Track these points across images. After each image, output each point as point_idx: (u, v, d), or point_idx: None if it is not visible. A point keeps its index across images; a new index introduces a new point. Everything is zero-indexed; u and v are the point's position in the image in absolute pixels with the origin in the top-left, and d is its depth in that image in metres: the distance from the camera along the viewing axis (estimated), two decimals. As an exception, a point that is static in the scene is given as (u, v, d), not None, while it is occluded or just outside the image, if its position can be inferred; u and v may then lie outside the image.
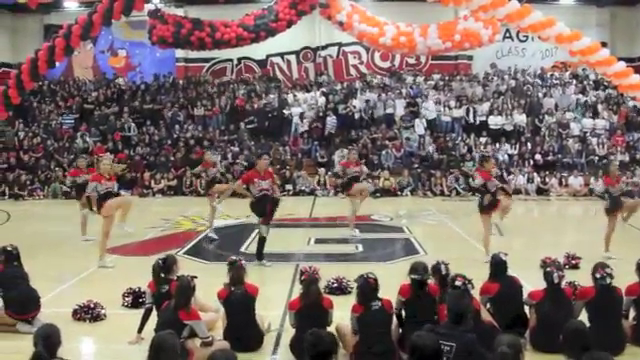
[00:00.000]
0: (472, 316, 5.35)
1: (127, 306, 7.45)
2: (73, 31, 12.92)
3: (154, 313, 6.17)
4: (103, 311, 7.05)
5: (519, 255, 9.89)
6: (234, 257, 6.52)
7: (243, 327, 5.99)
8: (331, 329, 5.81)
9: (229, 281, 6.22)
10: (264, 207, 9.88)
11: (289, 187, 20.09)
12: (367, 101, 23.44)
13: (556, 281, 6.00)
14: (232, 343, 5.67)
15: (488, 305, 6.24)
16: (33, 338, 4.30)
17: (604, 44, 14.55)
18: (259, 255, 9.97)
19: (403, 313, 5.97)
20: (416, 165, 21.17)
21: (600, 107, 23.45)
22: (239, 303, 6.07)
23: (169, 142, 22.33)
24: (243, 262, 6.39)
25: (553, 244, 11.13)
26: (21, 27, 26.20)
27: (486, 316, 5.83)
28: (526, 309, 6.34)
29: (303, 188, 20.00)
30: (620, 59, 13.00)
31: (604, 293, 5.95)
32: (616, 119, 22.96)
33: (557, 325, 4.90)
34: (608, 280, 5.97)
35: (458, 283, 5.64)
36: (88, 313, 6.96)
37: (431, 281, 6.04)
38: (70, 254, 10.83)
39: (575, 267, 9.29)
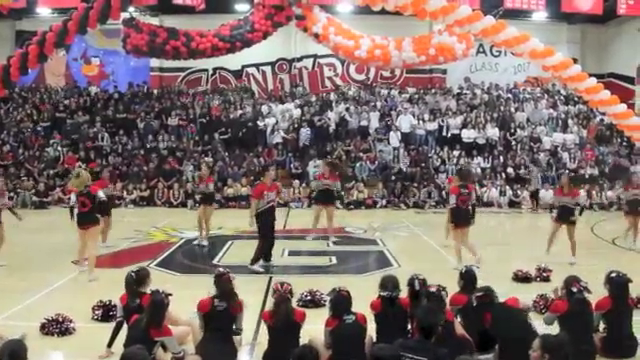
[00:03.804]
0: (445, 326, 5.36)
1: (97, 319, 7.32)
2: (47, 38, 12.72)
3: (125, 327, 6.07)
4: (72, 325, 6.90)
5: (490, 268, 10.00)
6: (221, 269, 6.29)
7: (218, 343, 5.83)
8: (304, 342, 5.80)
9: (216, 294, 6.03)
10: (270, 218, 10.44)
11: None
12: (347, 109, 23.60)
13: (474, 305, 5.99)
14: (205, 358, 5.60)
15: (458, 317, 6.26)
16: (-2, 354, 4.20)
17: (575, 60, 14.77)
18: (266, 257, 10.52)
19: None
20: (392, 178, 21.24)
21: (570, 122, 23.91)
22: (219, 319, 5.87)
23: (142, 152, 22.11)
24: (231, 275, 6.15)
25: (525, 257, 11.22)
26: (-8, 33, 25.79)
27: (459, 329, 5.84)
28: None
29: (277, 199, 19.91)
30: (590, 75, 13.24)
31: (578, 307, 6.00)
32: (585, 134, 23.43)
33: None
34: (585, 294, 6.03)
35: (433, 289, 5.65)
36: (57, 327, 6.81)
37: (403, 295, 6.05)
38: (39, 265, 10.61)
39: (546, 280, 9.40)
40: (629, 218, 12.81)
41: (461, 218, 10.59)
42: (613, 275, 6.37)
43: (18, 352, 4.22)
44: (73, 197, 9.79)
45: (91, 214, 9.80)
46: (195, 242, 12.95)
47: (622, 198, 13.15)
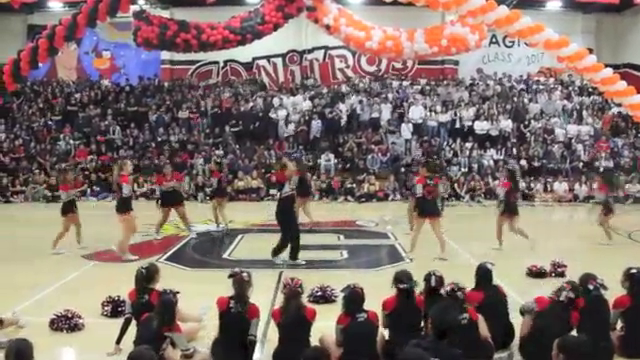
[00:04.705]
0: (468, 326, 5.23)
1: (106, 315, 7.28)
2: (57, 32, 12.68)
3: (134, 323, 6.01)
4: (81, 321, 6.85)
5: (504, 263, 9.83)
6: (236, 269, 6.01)
7: (230, 345, 5.68)
8: (315, 340, 5.71)
9: (232, 295, 5.81)
10: (289, 206, 10.33)
11: (274, 191, 19.96)
12: (361, 101, 23.47)
13: (561, 299, 5.78)
14: (217, 356, 5.53)
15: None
16: (5, 353, 4.14)
17: (590, 50, 14.51)
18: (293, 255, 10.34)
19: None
20: (402, 170, 21.09)
21: (585, 113, 23.60)
22: (234, 322, 5.69)
23: (153, 145, 22.09)
24: (245, 274, 5.86)
25: (538, 250, 11.07)
26: (4, 27, 25.72)
27: (484, 331, 5.66)
28: (511, 319, 6.27)
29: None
30: (606, 65, 13.01)
31: (595, 304, 5.85)
32: (600, 125, 23.12)
33: (551, 337, 4.79)
34: (602, 291, 5.88)
35: (447, 289, 5.53)
36: (66, 323, 6.76)
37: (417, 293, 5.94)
38: (49, 260, 10.60)
39: (561, 275, 9.24)
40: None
41: (426, 209, 10.76)
42: (633, 271, 6.14)
43: (24, 351, 4.17)
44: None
45: (119, 203, 10.70)
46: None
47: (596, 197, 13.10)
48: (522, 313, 6.09)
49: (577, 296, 5.76)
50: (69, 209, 11.43)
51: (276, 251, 10.32)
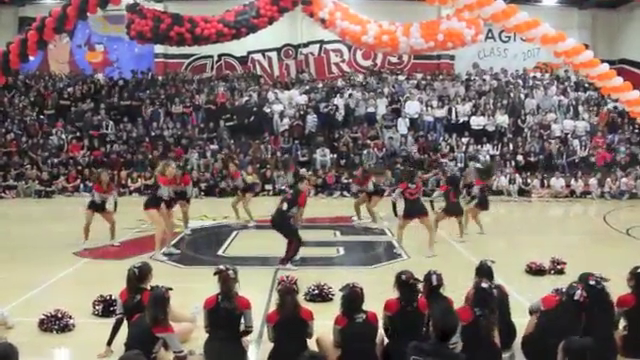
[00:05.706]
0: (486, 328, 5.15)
1: (97, 314, 7.10)
2: (46, 24, 12.47)
3: (125, 324, 5.85)
4: (72, 321, 6.66)
5: (502, 260, 9.70)
6: (222, 266, 5.88)
7: (224, 342, 5.55)
8: (312, 341, 5.57)
9: (219, 293, 5.69)
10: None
11: (269, 187, 19.87)
12: (350, 95, 23.35)
13: (576, 298, 5.56)
14: (211, 358, 5.39)
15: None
16: (-11, 358, 3.99)
17: (586, 46, 14.43)
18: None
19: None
20: (398, 165, 20.94)
21: (581, 109, 23.54)
22: (224, 318, 5.56)
23: (147, 140, 21.88)
24: (231, 272, 5.72)
25: (536, 247, 10.96)
26: (-6, 20, 25.53)
27: (495, 336, 5.45)
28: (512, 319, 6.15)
29: (283, 188, 19.67)
30: (601, 61, 12.92)
31: (600, 296, 5.65)
32: (597, 120, 23.06)
33: (555, 336, 4.66)
34: (603, 284, 5.72)
35: (484, 285, 5.42)
36: (56, 323, 6.57)
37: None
38: (40, 257, 10.39)
39: (560, 272, 9.13)
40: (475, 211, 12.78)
41: (413, 210, 10.69)
42: (639, 271, 5.92)
43: (9, 355, 4.00)
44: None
45: (148, 199, 10.86)
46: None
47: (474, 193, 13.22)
48: (531, 313, 5.97)
49: (588, 294, 5.61)
50: (94, 206, 11.31)
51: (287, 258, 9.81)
